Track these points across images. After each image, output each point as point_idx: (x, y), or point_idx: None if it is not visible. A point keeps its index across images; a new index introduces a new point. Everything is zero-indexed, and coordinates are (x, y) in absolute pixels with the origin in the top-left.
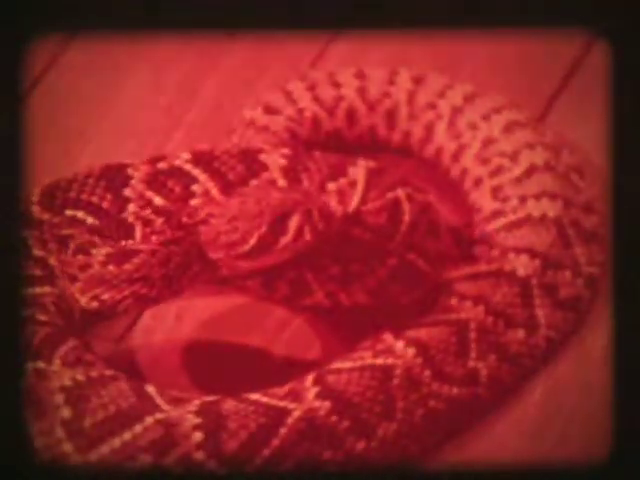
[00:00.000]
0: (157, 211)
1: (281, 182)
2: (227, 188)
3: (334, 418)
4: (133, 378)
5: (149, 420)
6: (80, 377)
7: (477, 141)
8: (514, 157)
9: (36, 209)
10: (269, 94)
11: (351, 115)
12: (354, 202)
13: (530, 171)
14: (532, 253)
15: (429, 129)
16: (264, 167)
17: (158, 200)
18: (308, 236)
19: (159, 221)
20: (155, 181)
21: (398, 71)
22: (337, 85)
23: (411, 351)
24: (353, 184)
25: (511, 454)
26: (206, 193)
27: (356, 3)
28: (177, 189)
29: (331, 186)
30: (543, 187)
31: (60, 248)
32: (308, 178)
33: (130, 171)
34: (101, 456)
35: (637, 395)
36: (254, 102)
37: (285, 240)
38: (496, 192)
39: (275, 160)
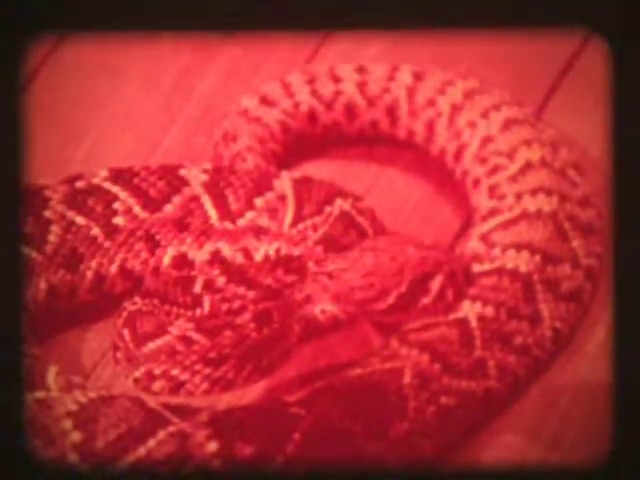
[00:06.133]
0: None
1: (204, 198)
2: (149, 205)
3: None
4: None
5: (162, 434)
6: (83, 399)
7: (476, 140)
8: (511, 155)
9: None
10: (268, 85)
11: (350, 109)
12: (287, 219)
13: (526, 168)
14: (532, 249)
15: (430, 128)
16: (185, 182)
17: (80, 220)
18: (450, 297)
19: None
20: (75, 201)
21: (399, 67)
22: (337, 79)
23: (417, 351)
24: (282, 198)
25: (507, 454)
26: (129, 211)
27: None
28: (98, 208)
29: (259, 202)
30: (539, 183)
31: None
32: (233, 194)
33: (48, 192)
34: (118, 473)
35: (637, 393)
36: (253, 92)
37: (426, 301)
38: (492, 191)
39: (196, 175)
